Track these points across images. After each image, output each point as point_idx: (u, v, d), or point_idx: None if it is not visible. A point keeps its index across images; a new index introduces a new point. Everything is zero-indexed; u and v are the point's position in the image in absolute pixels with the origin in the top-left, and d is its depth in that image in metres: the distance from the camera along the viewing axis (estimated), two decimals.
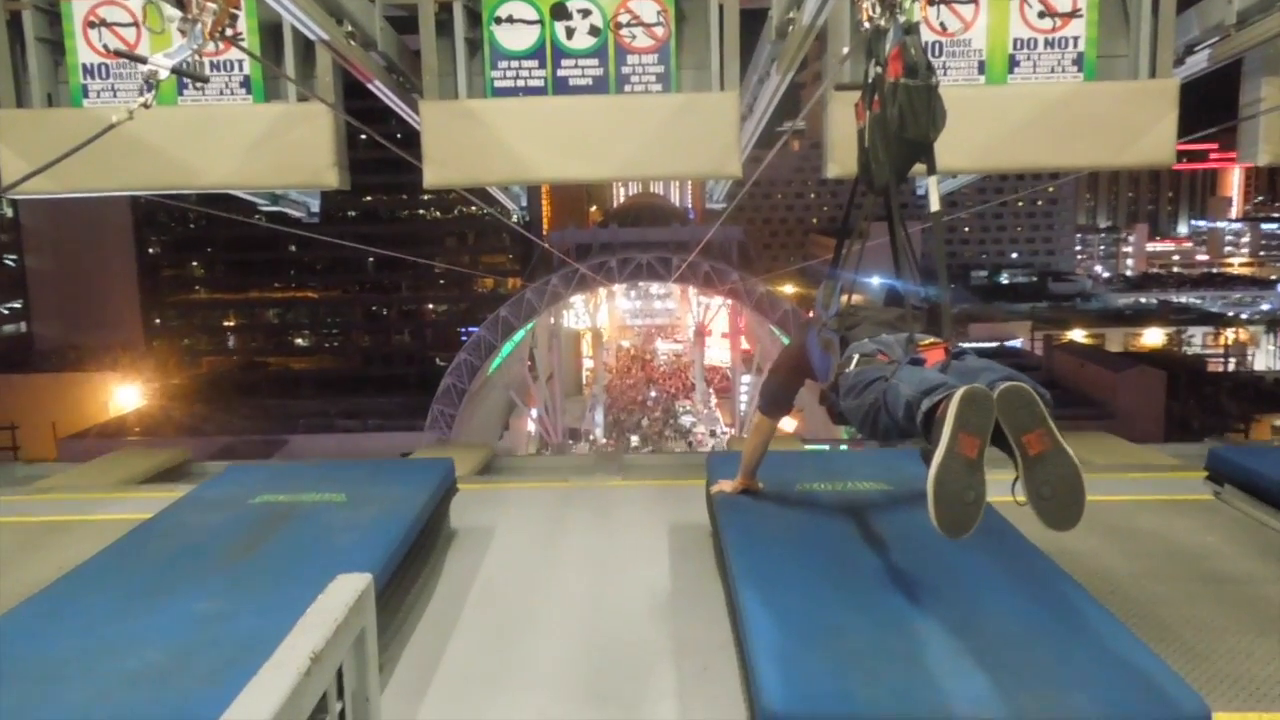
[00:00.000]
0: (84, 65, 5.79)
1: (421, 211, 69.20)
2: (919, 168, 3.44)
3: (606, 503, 5.93)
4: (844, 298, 3.73)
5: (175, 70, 3.40)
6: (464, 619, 4.24)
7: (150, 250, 68.33)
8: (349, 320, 70.94)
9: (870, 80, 3.34)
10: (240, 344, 70.83)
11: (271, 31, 5.79)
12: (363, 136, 6.53)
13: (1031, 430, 2.58)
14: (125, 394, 55.05)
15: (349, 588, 2.49)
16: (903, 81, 3.13)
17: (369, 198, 64.98)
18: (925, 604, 3.18)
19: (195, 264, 69.74)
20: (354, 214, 65.22)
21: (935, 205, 3.28)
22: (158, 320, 68.52)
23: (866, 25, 3.31)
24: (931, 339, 3.22)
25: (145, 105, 3.34)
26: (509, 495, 6.19)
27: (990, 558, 3.61)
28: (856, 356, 3.27)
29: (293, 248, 64.46)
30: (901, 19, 3.17)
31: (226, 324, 70.79)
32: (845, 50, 5.70)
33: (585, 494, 6.19)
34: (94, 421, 50.97)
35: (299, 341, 71.36)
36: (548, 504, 5.95)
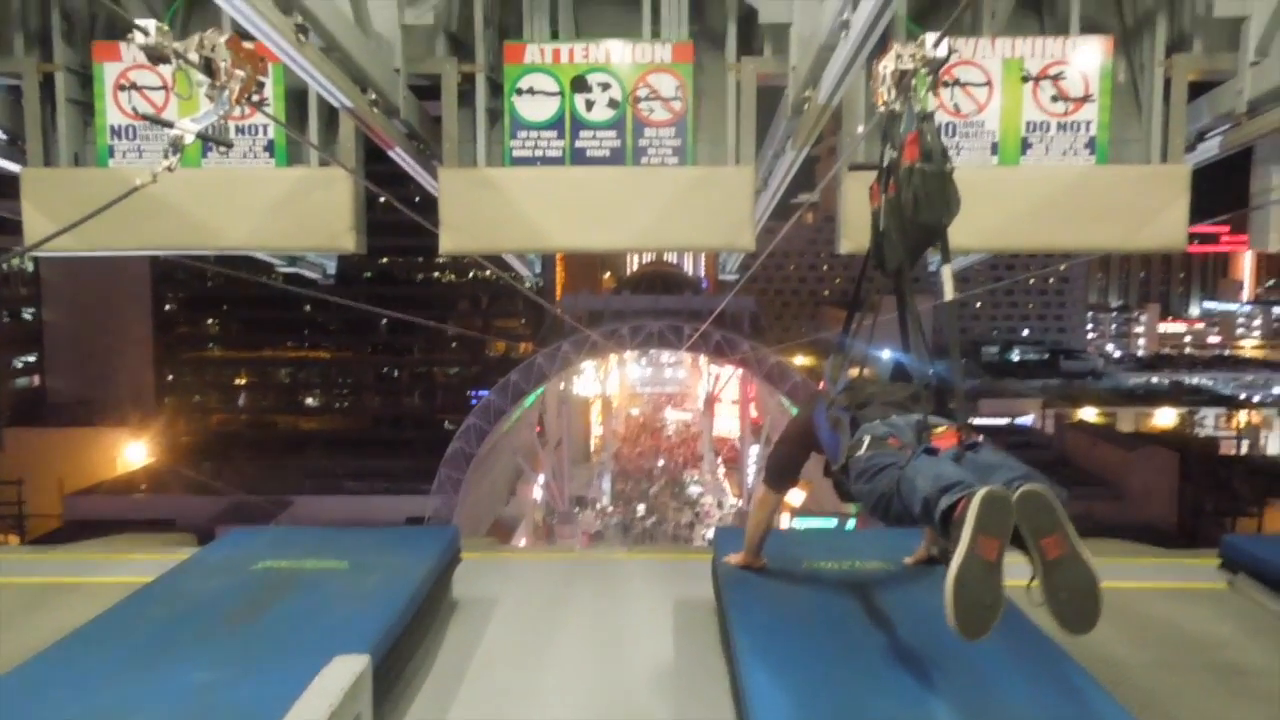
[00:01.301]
0: (112, 127, 5.90)
1: (436, 274, 69.88)
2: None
3: (612, 576, 5.85)
4: (853, 372, 3.75)
5: (201, 135, 3.46)
6: (463, 693, 4.16)
7: (167, 307, 69.02)
8: (360, 381, 71.20)
9: (886, 164, 3.38)
10: (251, 402, 71.05)
11: (296, 97, 5.91)
12: (381, 200, 6.60)
13: (1050, 534, 2.61)
14: (134, 450, 55.11)
15: (346, 671, 2.46)
16: (918, 166, 3.18)
17: (385, 260, 65.70)
18: (933, 688, 3.12)
19: (210, 321, 70.38)
20: (369, 275, 65.89)
21: (949, 294, 3.31)
22: (170, 377, 68.91)
23: (882, 109, 3.37)
24: (944, 425, 3.21)
25: (169, 169, 3.39)
26: (513, 566, 6.13)
27: (999, 643, 3.53)
28: (868, 439, 3.24)
29: (307, 308, 65.01)
30: (917, 107, 3.25)
31: (238, 382, 71.12)
32: (860, 129, 5.78)
33: (590, 566, 6.12)
34: (102, 477, 50.97)
35: (309, 401, 71.57)
36: (552, 576, 5.88)
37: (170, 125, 3.46)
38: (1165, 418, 73.11)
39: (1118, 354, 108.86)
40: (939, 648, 3.44)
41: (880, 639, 3.56)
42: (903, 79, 3.28)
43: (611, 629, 4.90)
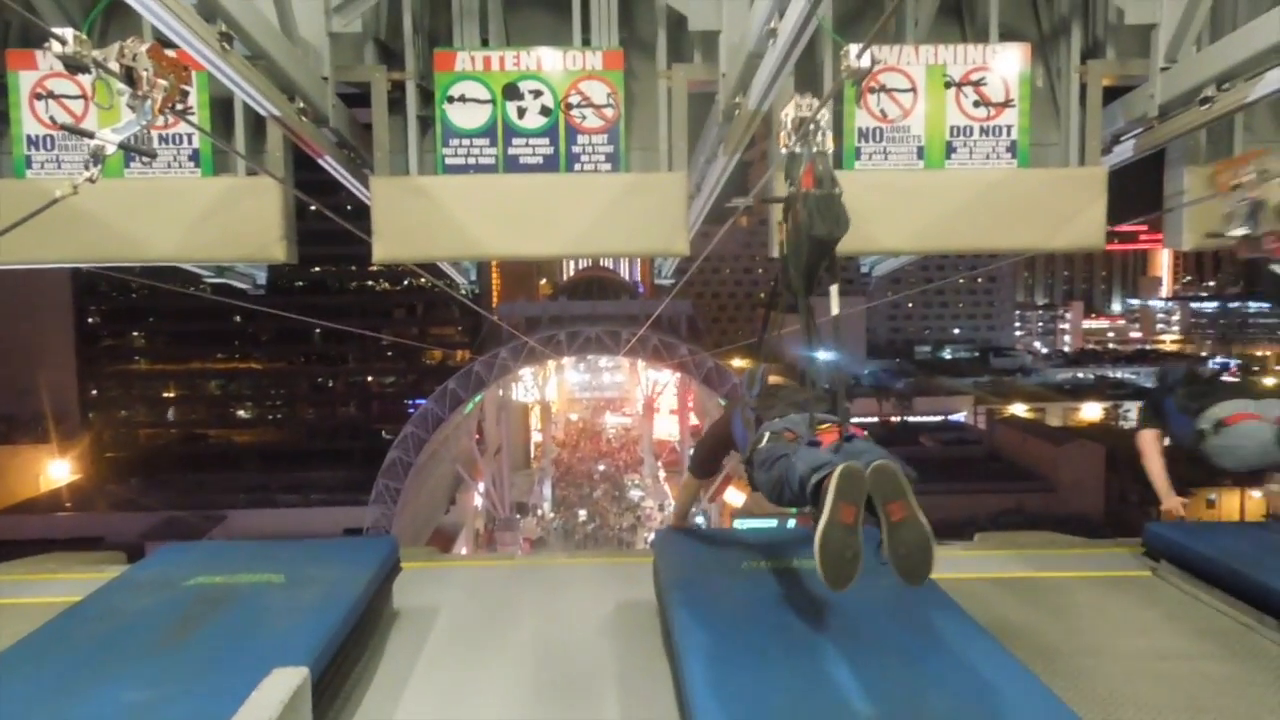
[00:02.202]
0: (29, 136, 5.74)
1: (370, 283, 68.98)
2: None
3: (553, 581, 5.85)
4: (771, 379, 4.26)
5: (123, 146, 3.39)
6: (405, 702, 4.13)
7: (89, 319, 67.07)
8: (294, 392, 69.95)
9: (787, 196, 3.84)
10: (180, 416, 69.36)
11: (222, 106, 5.81)
12: (312, 208, 6.49)
13: (895, 500, 3.07)
14: (57, 468, 53.46)
15: (284, 684, 2.43)
16: (813, 191, 3.66)
17: (317, 269, 64.68)
18: (873, 684, 3.19)
19: (136, 334, 68.52)
20: (301, 284, 64.79)
21: (835, 310, 3.81)
22: (95, 391, 66.93)
23: (784, 150, 3.87)
24: (830, 422, 3.70)
25: (91, 180, 3.32)
26: (453, 574, 6.08)
27: (935, 636, 3.63)
28: (767, 434, 3.83)
29: (237, 318, 63.71)
30: (815, 149, 3.73)
31: (167, 395, 69.36)
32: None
33: (532, 572, 6.11)
34: (24, 496, 49.33)
35: (241, 414, 70.10)
36: (493, 582, 5.85)
37: (91, 135, 3.38)
38: (1091, 412, 75.18)
39: (1045, 350, 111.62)
40: (878, 643, 3.52)
41: (820, 637, 3.62)
42: (801, 125, 3.75)
43: (554, 633, 4.90)
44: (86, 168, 3.34)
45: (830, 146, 3.74)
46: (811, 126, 3.71)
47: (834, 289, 3.79)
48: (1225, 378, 5.65)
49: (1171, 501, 5.54)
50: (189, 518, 49.17)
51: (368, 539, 6.21)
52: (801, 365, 4.05)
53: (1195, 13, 5.46)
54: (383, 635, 4.83)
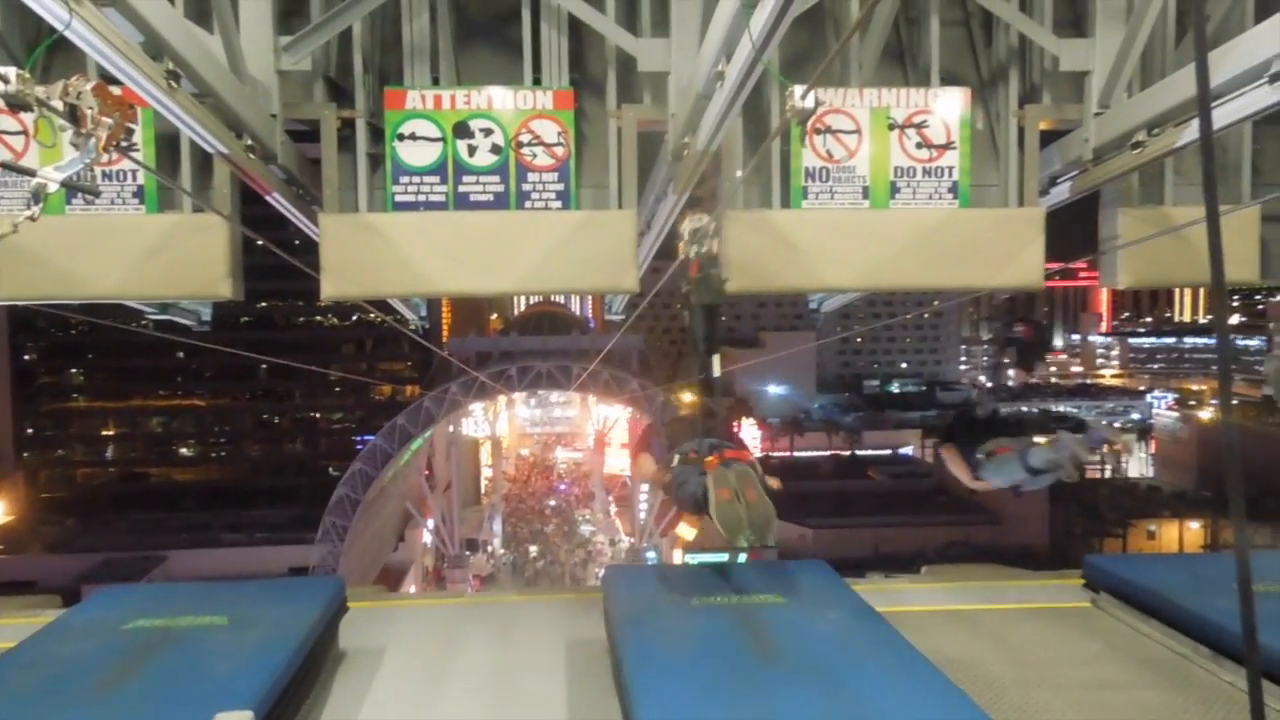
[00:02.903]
0: None
1: (318, 318, 68.18)
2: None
3: (503, 618, 5.80)
4: (681, 412, 5.31)
5: (66, 184, 3.35)
6: None
7: (25, 357, 65.35)
8: (239, 429, 68.63)
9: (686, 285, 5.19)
10: (120, 454, 67.62)
11: (168, 142, 5.76)
12: (259, 243, 6.43)
13: (750, 488, 4.66)
14: None
15: None
16: (699, 275, 5.15)
17: (263, 304, 63.78)
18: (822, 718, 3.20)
19: (75, 371, 66.83)
20: (247, 320, 63.80)
21: (717, 372, 5.32)
22: (30, 430, 65.06)
23: (682, 256, 5.12)
24: (722, 448, 5.25)
25: (31, 219, 3.27)
26: (401, 613, 6.00)
27: (883, 671, 3.66)
28: (677, 456, 5.46)
29: (180, 354, 62.50)
30: (702, 249, 5.18)
31: (106, 433, 67.62)
32: (739, 173, 5.97)
33: (481, 610, 6.05)
34: None
35: (184, 451, 68.54)
36: (442, 621, 5.79)
37: (32, 174, 3.34)
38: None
39: (990, 385, 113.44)
40: (827, 678, 3.54)
41: (769, 673, 3.63)
42: (695, 233, 5.12)
43: (503, 672, 4.85)
44: (28, 206, 3.30)
45: (715, 249, 5.25)
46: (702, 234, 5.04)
47: (716, 358, 5.25)
48: (1001, 415, 7.41)
49: (974, 484, 6.73)
50: (128, 559, 47.87)
51: (313, 579, 6.13)
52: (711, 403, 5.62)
53: (1126, 61, 5.66)
54: (329, 676, 4.75)
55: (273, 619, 4.36)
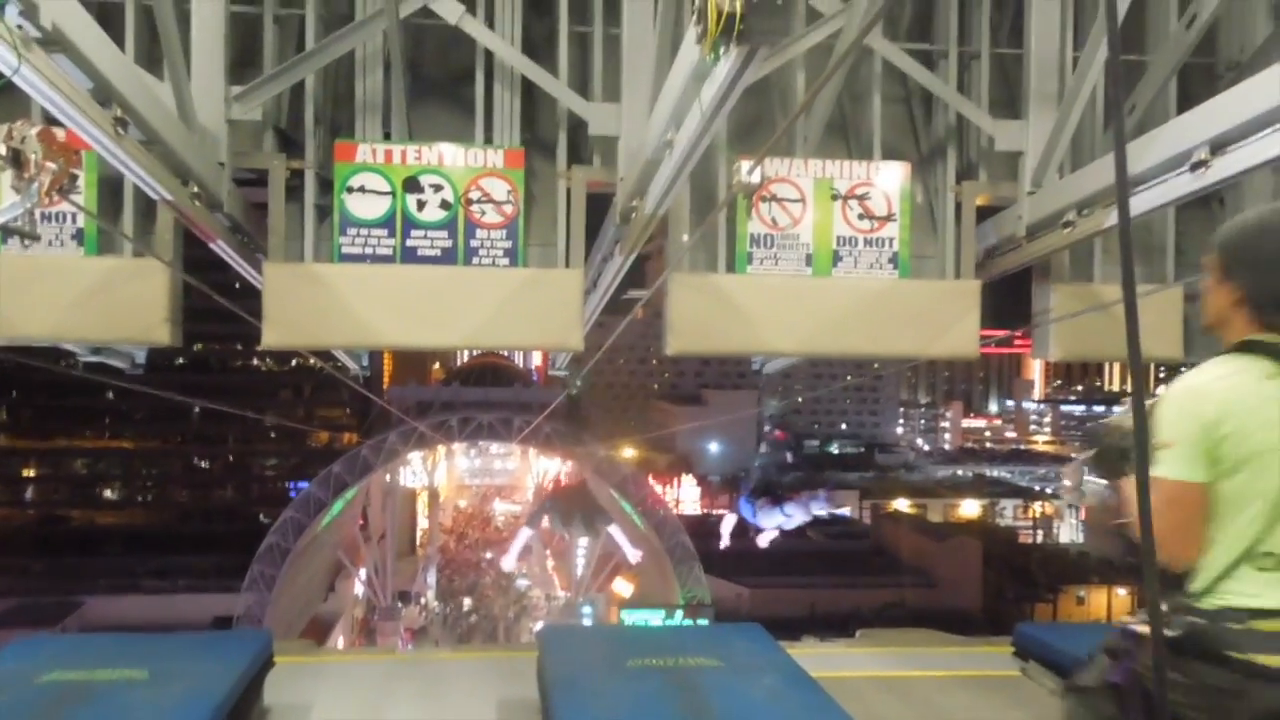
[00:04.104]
0: None
1: (255, 362, 66.96)
2: None
3: (434, 677, 5.70)
4: None
5: (4, 228, 3.31)
6: None
7: None
8: (167, 472, 66.75)
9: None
10: (40, 495, 65.26)
11: (111, 185, 5.71)
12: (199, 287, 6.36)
13: None
14: None
15: None
16: None
17: (199, 345, 62.51)
18: None
19: None
20: (181, 362, 62.42)
21: None
22: None
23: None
24: None
25: None
26: (329, 669, 5.87)
27: None
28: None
29: (110, 394, 60.83)
30: None
31: (26, 473, 65.28)
32: (685, 237, 6.07)
33: (411, 667, 5.94)
34: None
35: (108, 494, 66.40)
36: (371, 678, 5.67)
37: None
38: (970, 508, 77.40)
39: (927, 447, 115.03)
40: None
41: None
42: None
43: None
44: None
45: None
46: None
47: None
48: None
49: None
50: (43, 605, 46.06)
51: (238, 632, 5.96)
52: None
53: (1057, 143, 5.90)
54: None
55: (195, 674, 4.24)
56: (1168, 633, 2.25)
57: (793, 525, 10.45)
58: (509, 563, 39.74)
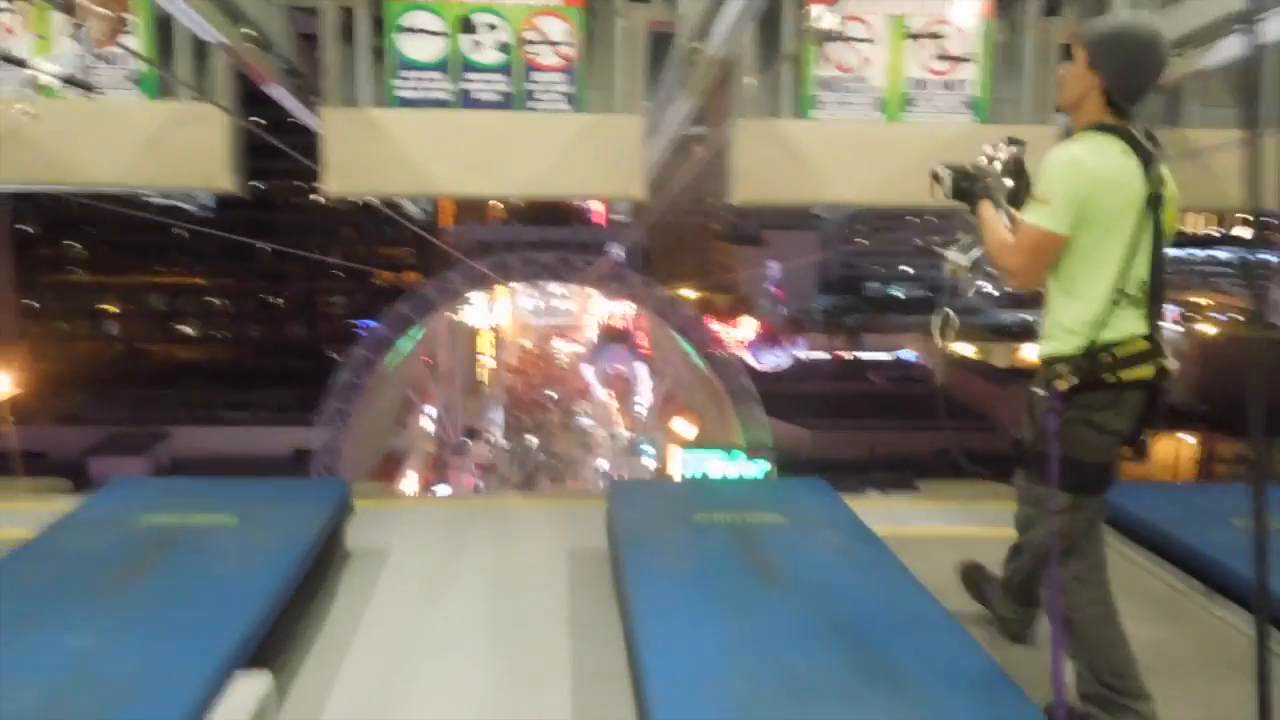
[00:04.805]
0: None
1: (317, 198, 67.42)
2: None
3: (505, 522, 5.88)
4: None
5: (60, 78, 3.27)
6: (356, 646, 4.16)
7: (26, 228, 64.89)
8: (240, 309, 68.66)
9: None
10: (122, 330, 67.81)
11: (164, 25, 5.59)
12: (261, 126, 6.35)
13: None
14: None
15: (249, 694, 2.46)
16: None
17: (259, 184, 62.97)
18: (824, 644, 3.26)
19: (75, 244, 66.43)
20: (247, 200, 63.04)
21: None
22: (33, 303, 65.11)
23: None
24: None
25: (25, 112, 3.20)
26: (404, 514, 6.09)
27: (882, 599, 3.72)
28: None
29: (183, 233, 62.04)
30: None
31: (107, 309, 67.64)
32: (750, 80, 5.81)
33: (483, 514, 6.13)
34: None
35: (186, 329, 68.74)
36: (445, 523, 5.87)
37: (24, 64, 3.25)
38: (1033, 353, 76.51)
39: (994, 291, 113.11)
40: (828, 605, 3.60)
41: (768, 597, 3.70)
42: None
43: (506, 578, 4.94)
44: (21, 97, 3.21)
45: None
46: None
47: None
48: None
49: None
50: (132, 434, 48.46)
51: (320, 481, 6.20)
52: None
53: None
54: (335, 578, 4.85)
55: (283, 520, 4.42)
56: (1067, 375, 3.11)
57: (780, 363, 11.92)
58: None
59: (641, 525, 4.44)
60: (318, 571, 4.50)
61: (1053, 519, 3.22)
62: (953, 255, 3.56)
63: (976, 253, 3.47)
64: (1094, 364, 3.08)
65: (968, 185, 3.45)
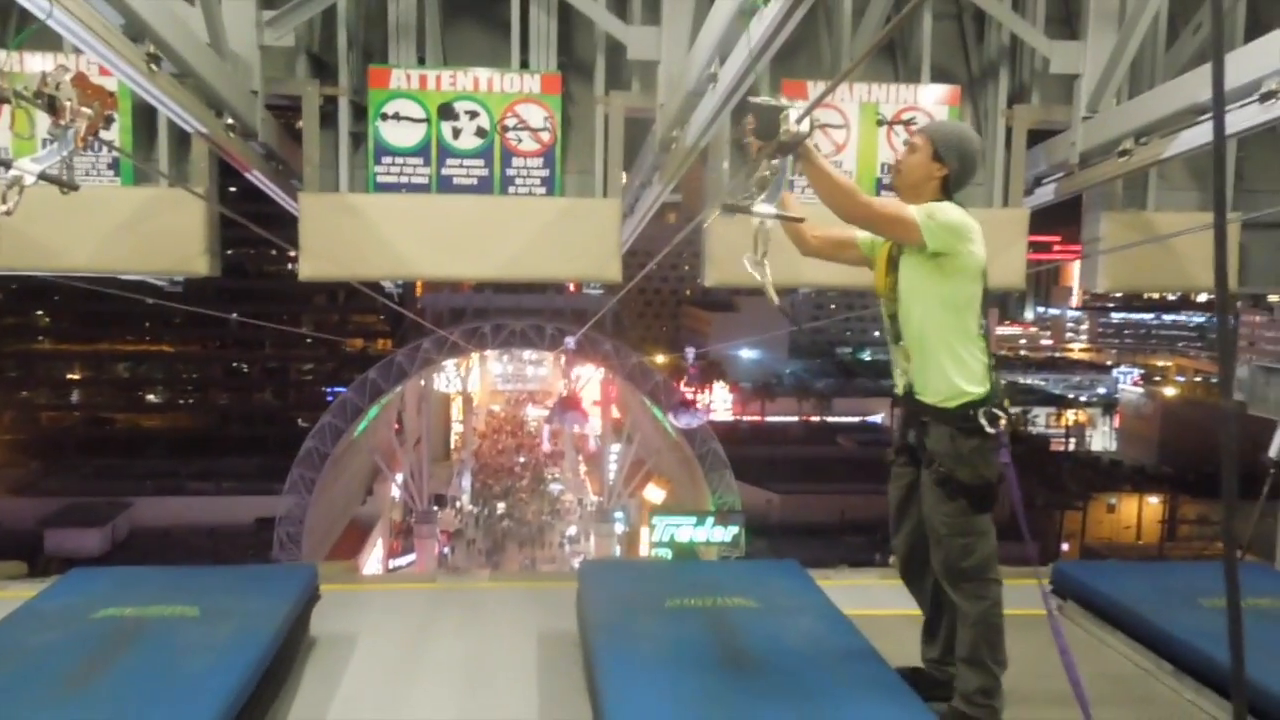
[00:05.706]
0: None
1: (290, 266, 67.31)
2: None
3: (474, 606, 5.81)
4: None
5: (43, 177, 3.27)
6: None
7: None
8: (207, 377, 67.97)
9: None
10: (85, 399, 66.80)
11: (145, 115, 5.62)
12: (231, 189, 6.35)
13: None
14: None
15: None
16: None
17: (230, 251, 62.78)
18: None
19: (40, 313, 65.67)
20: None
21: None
22: None
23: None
24: None
25: (7, 213, 3.19)
26: (371, 597, 6.01)
27: (855, 684, 3.71)
28: None
29: (149, 300, 61.50)
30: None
31: (71, 377, 66.67)
32: (726, 165, 5.93)
33: (452, 596, 6.06)
34: None
35: (151, 398, 67.84)
36: (413, 606, 5.78)
37: (8, 165, 3.25)
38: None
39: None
40: (799, 690, 3.59)
41: (739, 682, 3.68)
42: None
43: (475, 665, 4.87)
44: (3, 200, 3.21)
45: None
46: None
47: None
48: None
49: None
50: (92, 504, 47.56)
51: (286, 567, 6.10)
52: None
53: (1115, 68, 5.65)
54: (300, 666, 4.75)
55: (246, 610, 4.34)
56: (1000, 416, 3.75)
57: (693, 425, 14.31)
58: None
59: (612, 610, 4.41)
60: (282, 662, 4.41)
61: (989, 538, 3.96)
62: (760, 208, 3.75)
63: (772, 207, 3.75)
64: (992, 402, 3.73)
65: (783, 129, 3.38)
